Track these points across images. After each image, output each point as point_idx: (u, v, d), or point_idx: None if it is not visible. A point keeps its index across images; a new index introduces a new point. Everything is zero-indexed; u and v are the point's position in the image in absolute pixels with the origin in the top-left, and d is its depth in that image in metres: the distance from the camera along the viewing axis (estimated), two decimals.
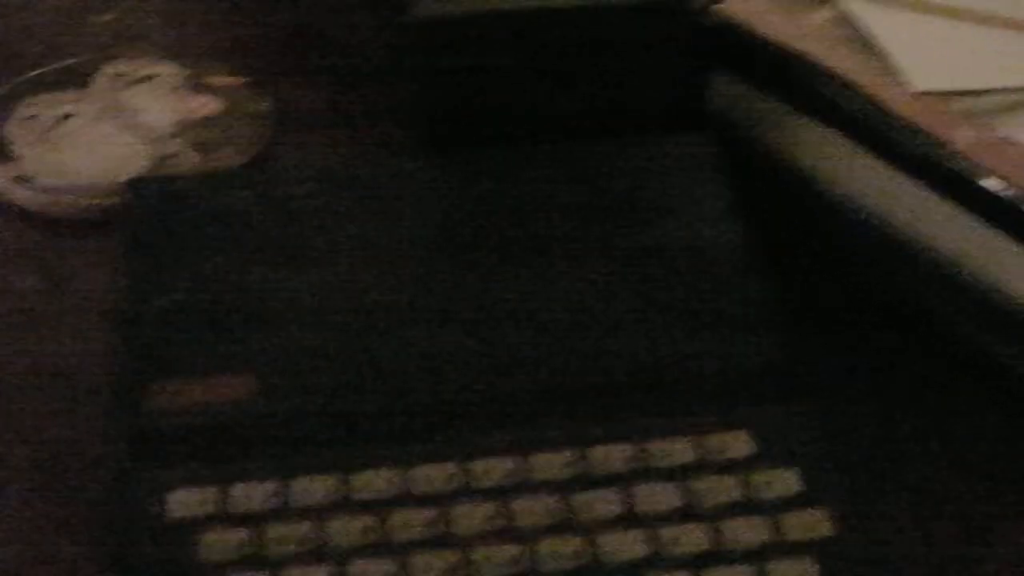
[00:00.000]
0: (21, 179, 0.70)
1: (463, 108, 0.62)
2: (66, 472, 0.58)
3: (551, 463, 0.55)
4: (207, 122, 0.74)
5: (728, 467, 0.55)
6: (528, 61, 0.62)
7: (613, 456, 0.55)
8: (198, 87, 0.76)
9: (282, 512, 0.53)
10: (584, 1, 0.61)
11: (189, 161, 0.71)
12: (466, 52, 0.61)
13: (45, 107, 0.74)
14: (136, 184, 0.63)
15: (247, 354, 0.56)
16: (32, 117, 0.73)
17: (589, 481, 0.54)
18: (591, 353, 0.57)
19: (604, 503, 0.53)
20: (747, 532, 0.53)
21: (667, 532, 0.53)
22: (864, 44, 0.65)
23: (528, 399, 0.56)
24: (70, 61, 0.77)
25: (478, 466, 0.54)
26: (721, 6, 0.66)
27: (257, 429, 0.54)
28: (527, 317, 0.58)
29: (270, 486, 0.54)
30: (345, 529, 0.53)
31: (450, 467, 0.54)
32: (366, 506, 0.53)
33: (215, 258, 0.59)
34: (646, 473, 0.54)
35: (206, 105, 0.75)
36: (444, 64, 0.61)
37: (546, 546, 0.52)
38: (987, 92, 0.63)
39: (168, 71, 0.76)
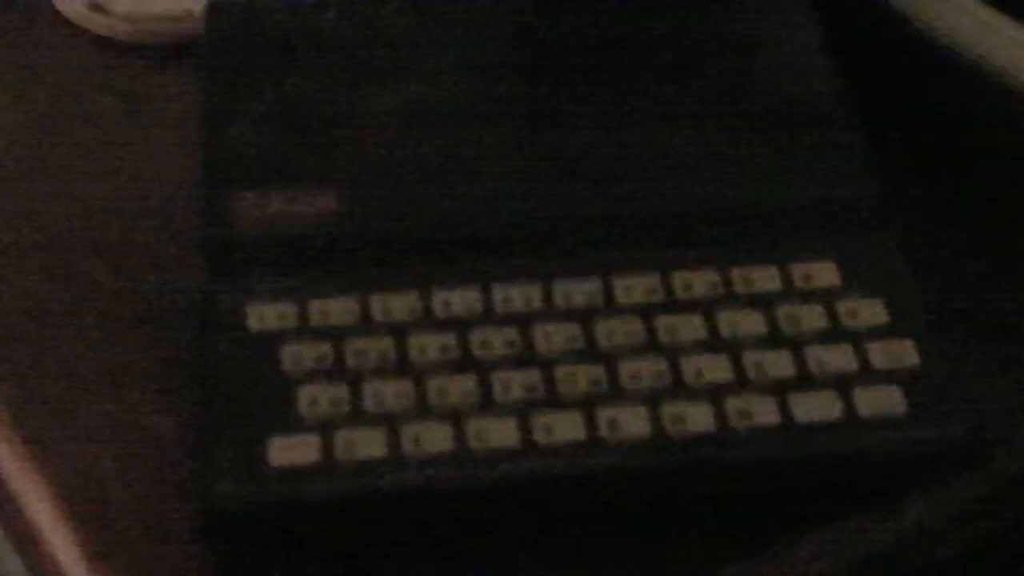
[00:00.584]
0: (96, 6, 0.69)
1: None
2: (147, 285, 0.58)
3: (634, 286, 0.54)
4: None
5: (814, 295, 0.54)
6: None
7: (697, 281, 0.54)
8: None
9: (362, 327, 0.53)
10: None
11: None
12: None
13: None
14: (214, 8, 0.62)
15: (331, 167, 0.56)
16: None
17: (672, 306, 0.54)
18: (676, 180, 0.56)
19: (687, 327, 0.53)
20: (833, 359, 0.52)
21: (752, 357, 0.52)
22: None
23: (611, 223, 0.55)
24: None
25: (559, 288, 0.54)
26: None
27: (339, 244, 0.54)
28: (613, 142, 0.57)
29: (351, 301, 0.53)
30: (424, 345, 0.52)
31: (531, 288, 0.54)
32: (447, 324, 0.53)
33: (298, 75, 0.59)
34: (730, 299, 0.54)
35: None
36: None
37: (629, 367, 0.52)
38: None
39: None
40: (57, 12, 0.70)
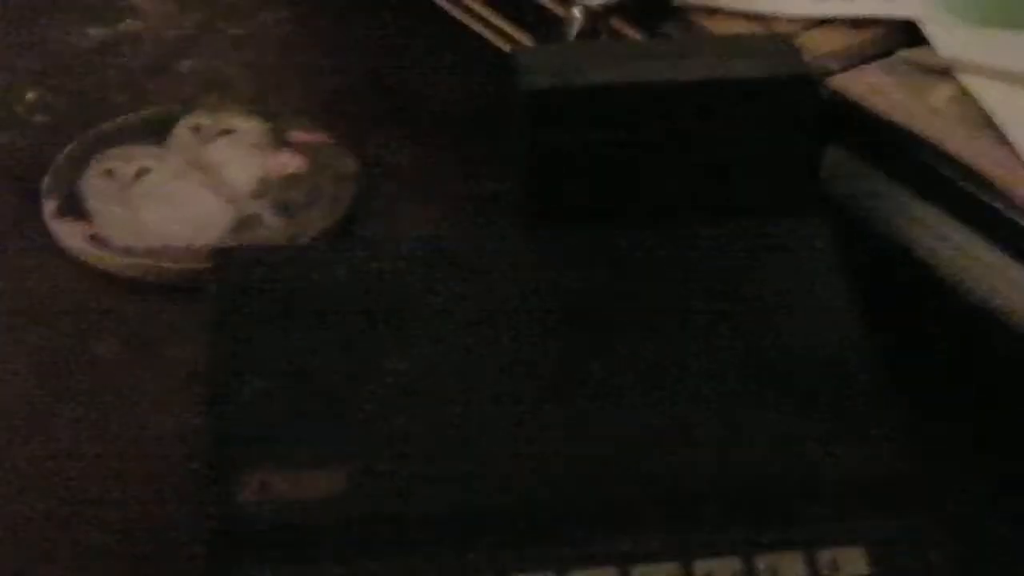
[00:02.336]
0: (97, 239, 0.68)
1: (568, 183, 0.59)
2: (147, 561, 0.55)
3: None
4: (290, 181, 0.71)
5: None
6: (638, 136, 0.58)
7: (719, 571, 0.52)
8: (280, 143, 0.73)
9: None
10: (703, 74, 0.58)
11: (272, 224, 0.69)
12: (574, 126, 0.58)
13: (122, 161, 0.71)
14: (221, 254, 0.60)
15: (337, 446, 0.53)
16: (108, 172, 0.71)
17: None
18: (697, 457, 0.53)
19: None
20: None
21: None
22: (988, 123, 0.62)
23: (628, 506, 0.53)
24: (146, 113, 0.74)
25: None
26: (837, 78, 0.63)
27: (346, 530, 0.52)
28: (633, 416, 0.55)
29: None
30: None
31: None
32: None
33: (306, 337, 0.57)
34: None
35: (289, 163, 0.72)
36: (549, 138, 0.58)
37: None
38: None
39: (249, 125, 0.74)
40: (60, 246, 0.68)
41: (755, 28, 0.67)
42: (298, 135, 0.73)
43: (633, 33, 0.69)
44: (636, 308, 0.58)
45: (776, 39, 0.63)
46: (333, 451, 0.53)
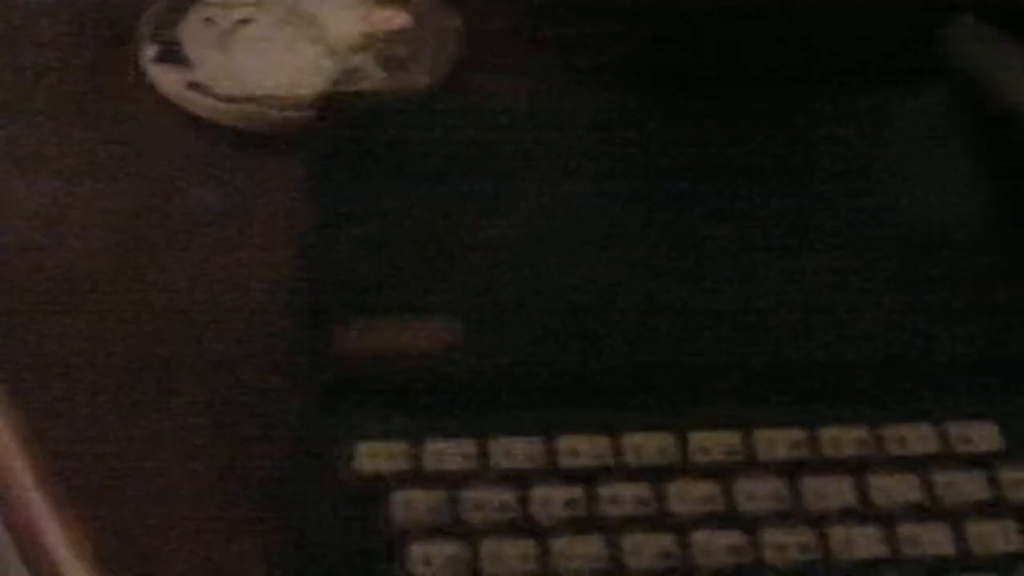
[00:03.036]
0: (196, 85, 0.66)
1: (677, 45, 0.57)
2: (244, 417, 0.54)
3: (776, 441, 0.50)
4: (394, 36, 0.69)
5: (974, 461, 0.49)
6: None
7: (846, 439, 0.50)
8: None
9: (480, 475, 0.49)
10: None
11: (375, 78, 0.66)
12: None
13: (221, 10, 0.69)
14: (325, 103, 0.58)
15: (449, 297, 0.52)
16: (207, 20, 0.69)
17: (818, 465, 0.49)
18: (823, 329, 0.51)
19: (836, 492, 0.48)
20: (994, 537, 0.48)
21: (905, 530, 0.48)
22: None
23: (752, 373, 0.51)
24: None
25: (695, 441, 0.50)
26: None
27: (458, 381, 0.50)
28: (753, 286, 0.53)
29: (468, 445, 0.49)
30: (548, 499, 0.48)
31: (664, 438, 0.49)
32: (572, 475, 0.49)
33: (412, 189, 0.55)
34: (882, 460, 0.49)
35: (393, 18, 0.70)
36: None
37: (771, 535, 0.47)
38: None
39: None
40: (156, 90, 0.66)
41: None
42: None
43: None
44: (755, 177, 0.56)
45: None
46: (444, 301, 0.51)
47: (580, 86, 0.67)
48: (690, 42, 0.59)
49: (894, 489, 0.48)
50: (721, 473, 0.49)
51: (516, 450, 0.49)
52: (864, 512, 0.48)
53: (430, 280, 0.52)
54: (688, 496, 0.48)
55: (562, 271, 0.53)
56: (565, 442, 0.49)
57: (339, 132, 0.57)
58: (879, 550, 0.47)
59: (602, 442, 0.49)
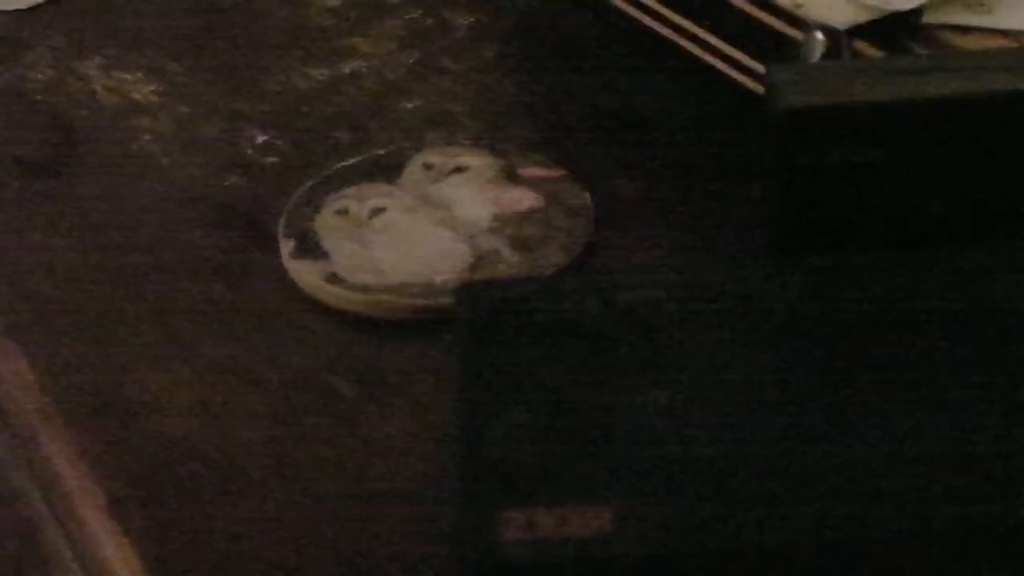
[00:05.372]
0: (334, 277, 0.67)
1: (825, 209, 0.57)
2: None
3: None
4: (525, 217, 0.69)
5: None
6: (906, 157, 0.56)
7: None
8: (513, 178, 0.72)
9: None
10: (983, 87, 0.55)
11: (509, 260, 0.67)
12: (834, 147, 0.55)
13: (355, 201, 0.70)
14: (466, 290, 0.59)
15: (602, 482, 0.51)
16: (342, 211, 0.70)
17: None
18: (987, 492, 0.50)
19: None
20: None
21: None
22: None
23: (906, 545, 0.50)
24: (378, 152, 0.74)
25: None
26: None
27: (615, 570, 0.49)
28: (908, 448, 0.52)
29: None
30: None
31: None
32: None
33: (558, 371, 0.55)
34: None
35: (523, 198, 0.71)
36: (809, 161, 0.55)
37: None
38: None
39: (481, 162, 0.72)
40: (294, 284, 0.67)
41: (1010, 44, 0.65)
42: (529, 170, 0.72)
43: (877, 54, 0.66)
44: (905, 341, 0.55)
45: None
46: (598, 487, 0.51)
47: (717, 254, 0.67)
48: (838, 201, 0.59)
49: None
50: None
51: None
52: None
53: (584, 466, 0.52)
54: None
55: (717, 446, 0.52)
56: None
57: (480, 318, 0.57)
58: None
59: None
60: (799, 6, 0.68)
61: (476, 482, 0.52)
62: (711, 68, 0.73)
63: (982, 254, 0.58)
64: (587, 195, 0.70)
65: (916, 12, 0.67)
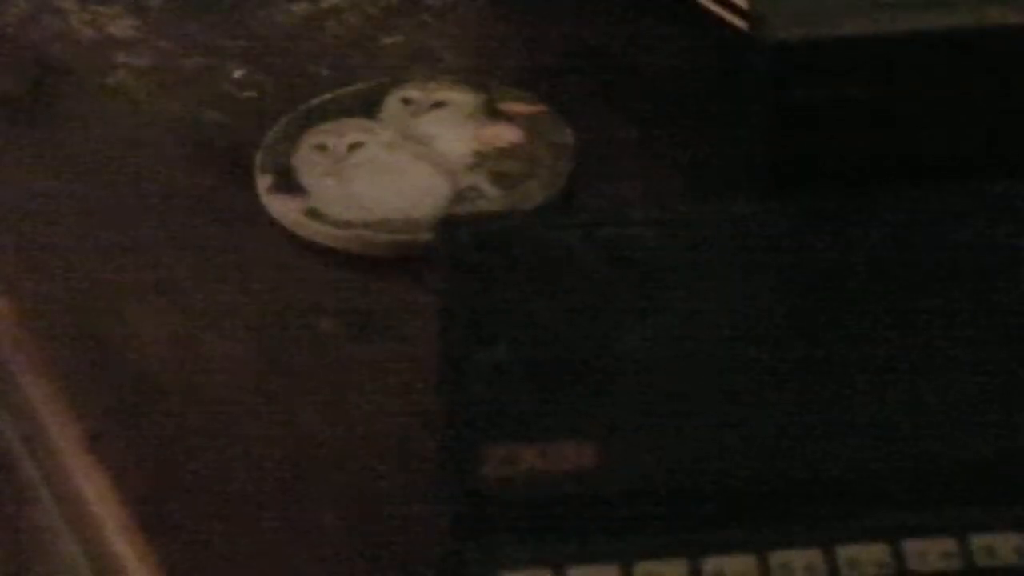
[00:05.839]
0: (313, 212, 0.66)
1: (817, 147, 0.56)
2: (383, 547, 0.53)
3: (928, 552, 0.48)
4: (506, 153, 0.69)
5: None
6: (898, 91, 0.55)
7: (1000, 546, 0.48)
8: (494, 114, 0.71)
9: None
10: (976, 21, 0.54)
11: (490, 195, 0.67)
12: (825, 82, 0.55)
13: (333, 136, 0.70)
14: (447, 225, 0.58)
15: (586, 418, 0.51)
16: (320, 147, 0.69)
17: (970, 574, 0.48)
18: (971, 427, 0.50)
19: None
20: None
21: None
22: None
23: (900, 479, 0.49)
24: (357, 87, 0.73)
25: (843, 554, 0.48)
26: None
27: (599, 504, 0.49)
28: (898, 385, 0.51)
29: (612, 571, 0.48)
30: None
31: (812, 555, 0.48)
32: None
33: (542, 307, 0.54)
34: None
35: (504, 134, 0.70)
36: (800, 96, 0.55)
37: None
38: None
39: (461, 97, 0.72)
40: (274, 219, 0.66)
41: None
42: (511, 106, 0.71)
43: None
44: (897, 284, 0.55)
45: None
46: (581, 422, 0.51)
47: (704, 194, 0.67)
48: (828, 139, 0.58)
49: None
50: None
51: (660, 573, 0.48)
52: None
53: (566, 400, 0.51)
54: None
55: (702, 385, 0.52)
56: (711, 564, 0.48)
57: (461, 253, 0.57)
58: None
59: (749, 562, 0.48)
60: None
61: (459, 418, 0.51)
62: (698, 5, 0.72)
63: (975, 194, 0.57)
64: (570, 132, 0.69)
65: None
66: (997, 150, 0.56)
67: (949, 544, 0.48)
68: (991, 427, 0.50)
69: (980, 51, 0.55)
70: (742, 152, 0.61)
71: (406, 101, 0.71)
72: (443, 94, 0.72)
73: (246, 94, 0.74)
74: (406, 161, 0.68)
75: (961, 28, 0.54)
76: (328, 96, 0.72)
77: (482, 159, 0.68)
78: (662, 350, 0.53)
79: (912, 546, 0.48)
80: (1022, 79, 0.55)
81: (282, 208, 0.66)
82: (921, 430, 0.50)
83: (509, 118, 0.70)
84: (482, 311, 0.55)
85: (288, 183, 0.67)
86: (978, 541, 0.48)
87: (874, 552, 0.48)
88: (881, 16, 0.54)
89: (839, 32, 0.54)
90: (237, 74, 0.75)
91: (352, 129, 0.70)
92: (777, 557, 0.48)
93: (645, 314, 0.54)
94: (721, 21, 0.71)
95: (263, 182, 0.67)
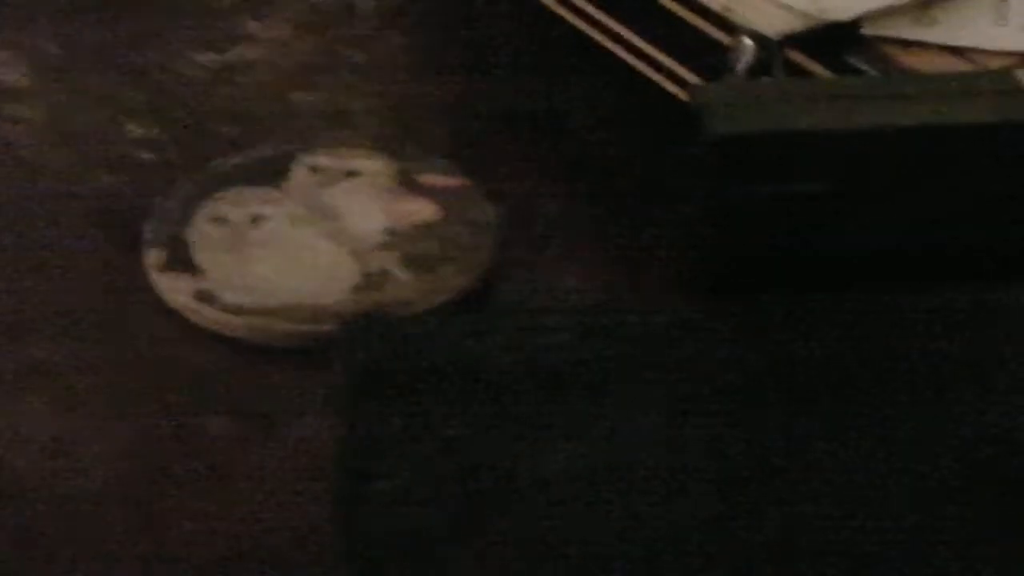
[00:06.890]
0: (206, 294, 0.60)
1: (757, 244, 0.51)
2: None
3: None
4: (421, 231, 0.63)
5: None
6: (845, 191, 0.50)
7: None
8: (411, 186, 0.65)
9: None
10: (929, 119, 0.49)
11: (402, 280, 0.61)
12: (769, 178, 0.49)
13: (234, 206, 0.64)
14: (352, 327, 0.52)
15: (484, 549, 0.45)
16: (219, 219, 0.63)
17: None
18: (910, 559, 0.45)
19: None
20: None
21: None
22: None
23: None
24: (262, 151, 0.67)
25: None
26: None
27: None
28: (835, 511, 0.46)
29: None
30: None
31: None
32: None
33: (453, 425, 0.49)
34: None
35: (420, 211, 0.64)
36: (740, 192, 0.49)
37: None
38: None
39: (375, 166, 0.66)
40: (162, 300, 0.61)
41: (959, 64, 0.59)
42: (429, 178, 0.65)
43: (815, 67, 0.61)
44: (832, 384, 0.50)
45: (997, 77, 0.54)
46: (479, 552, 0.45)
47: (638, 284, 0.61)
48: (771, 236, 0.53)
49: None
50: None
51: None
52: None
53: (475, 537, 0.46)
54: None
55: (619, 515, 0.46)
56: None
57: (366, 357, 0.51)
58: None
59: None
60: (729, 10, 0.62)
61: (354, 559, 0.46)
62: (635, 72, 0.67)
63: (915, 301, 0.52)
64: (491, 208, 0.64)
65: (856, 23, 0.61)
66: (938, 251, 0.52)
67: None
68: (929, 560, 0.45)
69: (932, 150, 0.50)
70: (678, 246, 0.56)
71: (314, 169, 0.66)
72: (356, 162, 0.66)
73: (144, 155, 0.68)
74: (312, 238, 0.62)
75: (906, 127, 0.49)
76: (231, 161, 0.66)
77: (394, 238, 0.63)
78: (583, 480, 0.47)
79: None
80: (959, 178, 0.50)
81: (171, 288, 0.60)
82: (840, 541, 0.45)
83: (426, 191, 0.65)
84: (384, 437, 0.49)
85: (181, 259, 0.61)
86: None
87: None
88: (825, 112, 0.49)
89: (781, 127, 0.49)
90: (136, 132, 0.69)
91: (255, 199, 0.64)
92: None
93: (566, 436, 0.49)
94: (660, 88, 0.66)
95: (152, 257, 0.62)
